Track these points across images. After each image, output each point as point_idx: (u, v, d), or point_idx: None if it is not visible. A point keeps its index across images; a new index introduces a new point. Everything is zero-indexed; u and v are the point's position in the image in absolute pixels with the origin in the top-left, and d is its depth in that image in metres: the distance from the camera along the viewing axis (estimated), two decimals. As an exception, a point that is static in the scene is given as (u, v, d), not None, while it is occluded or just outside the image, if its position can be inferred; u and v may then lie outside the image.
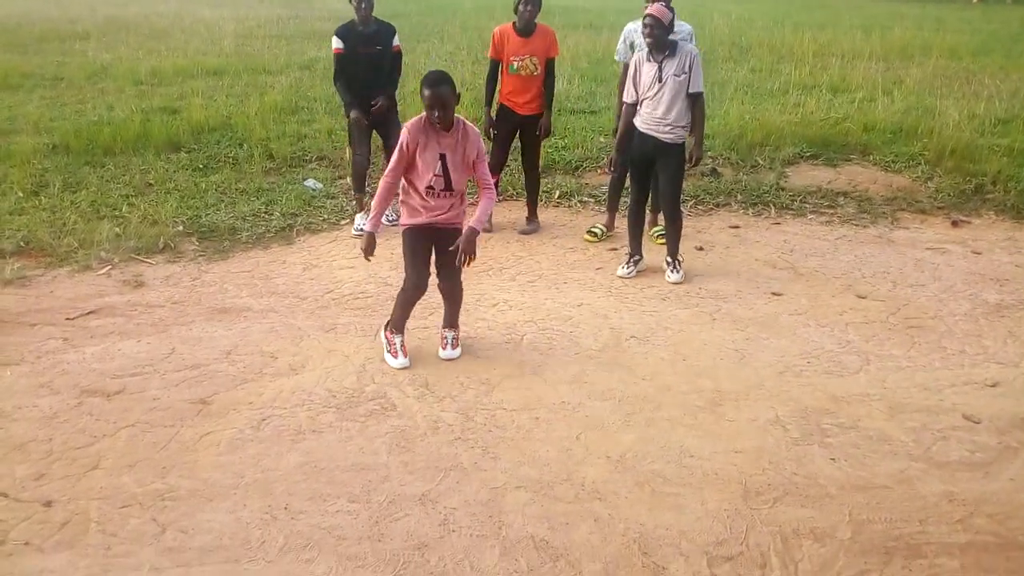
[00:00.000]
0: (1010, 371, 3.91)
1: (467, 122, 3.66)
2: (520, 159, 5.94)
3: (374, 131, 5.69)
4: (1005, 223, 6.09)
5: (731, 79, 10.11)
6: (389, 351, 3.87)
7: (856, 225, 5.99)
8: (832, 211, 6.26)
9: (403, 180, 3.73)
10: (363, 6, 5.36)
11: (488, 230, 5.58)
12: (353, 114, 5.51)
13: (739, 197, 6.45)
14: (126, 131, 7.40)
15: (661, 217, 5.88)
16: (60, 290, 4.63)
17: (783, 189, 6.60)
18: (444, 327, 4.01)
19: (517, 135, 5.64)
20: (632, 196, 5.06)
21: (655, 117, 4.71)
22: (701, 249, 5.51)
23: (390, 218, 5.51)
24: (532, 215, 5.85)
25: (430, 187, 3.66)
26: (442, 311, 4.00)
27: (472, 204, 3.98)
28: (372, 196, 5.90)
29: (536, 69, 5.41)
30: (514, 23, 5.40)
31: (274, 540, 2.71)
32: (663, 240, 5.56)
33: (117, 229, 5.43)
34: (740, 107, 8.58)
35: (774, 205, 6.32)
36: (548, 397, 3.61)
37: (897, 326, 4.36)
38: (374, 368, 3.82)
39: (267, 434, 3.29)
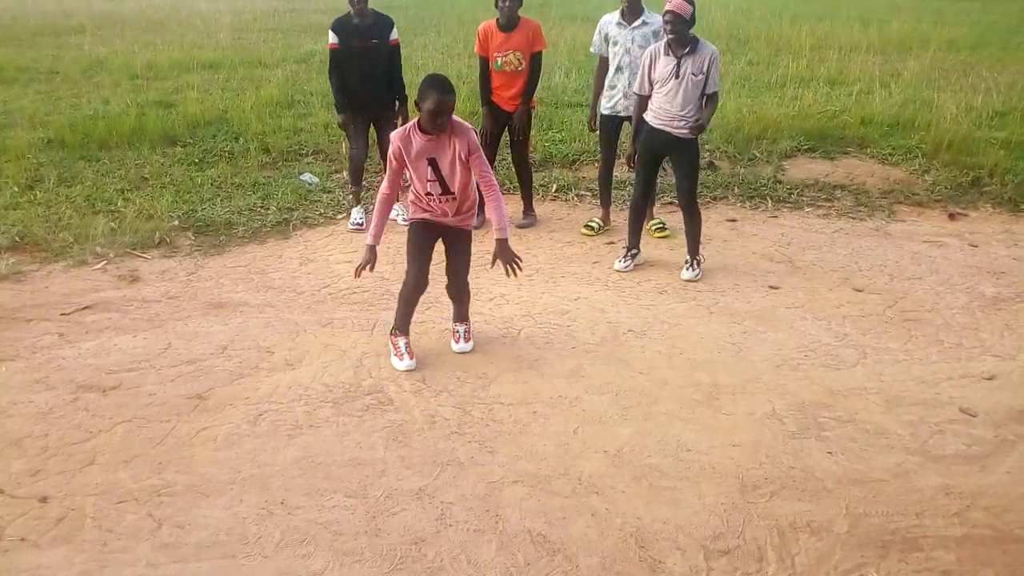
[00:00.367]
0: (1007, 364, 3.91)
1: (455, 118, 3.54)
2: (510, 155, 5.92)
3: (371, 125, 5.66)
4: (1002, 216, 6.08)
5: (728, 72, 10.07)
6: (395, 354, 3.82)
7: (853, 218, 5.99)
8: (829, 204, 6.25)
9: (406, 178, 3.69)
10: None
11: (478, 227, 5.53)
12: (341, 117, 5.49)
13: (736, 190, 6.44)
14: (121, 125, 7.38)
15: (658, 210, 5.91)
16: (55, 285, 4.62)
17: (780, 182, 6.59)
18: (455, 321, 4.01)
19: (506, 131, 5.59)
20: (636, 190, 5.00)
21: (670, 112, 4.63)
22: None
23: (403, 218, 5.42)
24: (528, 209, 5.84)
25: (428, 193, 3.65)
26: (438, 305, 3.99)
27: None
28: (368, 190, 5.95)
29: (521, 64, 5.32)
30: (497, 19, 5.33)
31: (271, 535, 2.71)
32: (660, 234, 5.57)
33: (112, 224, 5.42)
34: (737, 100, 8.56)
35: (771, 198, 6.31)
36: (545, 391, 3.60)
37: (894, 319, 4.36)
38: (371, 363, 3.82)
39: (263, 429, 3.29)
